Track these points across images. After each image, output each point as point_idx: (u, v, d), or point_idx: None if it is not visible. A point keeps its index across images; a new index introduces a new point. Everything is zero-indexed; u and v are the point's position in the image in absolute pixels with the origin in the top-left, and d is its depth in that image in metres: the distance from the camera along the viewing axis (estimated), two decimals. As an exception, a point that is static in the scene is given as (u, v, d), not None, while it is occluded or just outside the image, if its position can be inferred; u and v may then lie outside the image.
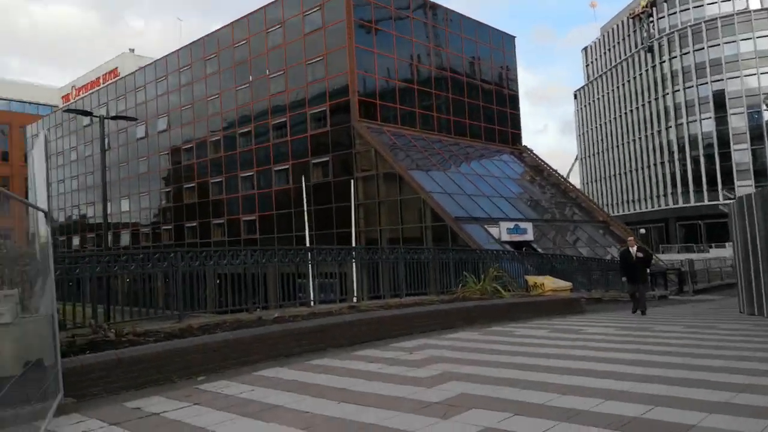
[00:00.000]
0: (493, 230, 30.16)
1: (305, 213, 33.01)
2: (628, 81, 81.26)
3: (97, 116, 25.34)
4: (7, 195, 6.96)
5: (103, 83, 59.97)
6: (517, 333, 10.12)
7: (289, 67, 37.52)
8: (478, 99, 42.30)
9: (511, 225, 31.11)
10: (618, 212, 78.96)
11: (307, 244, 32.20)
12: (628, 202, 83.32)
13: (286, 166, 37.55)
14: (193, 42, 44.98)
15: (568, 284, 16.06)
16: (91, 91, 60.12)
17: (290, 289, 12.05)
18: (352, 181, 32.36)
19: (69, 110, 32.17)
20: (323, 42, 35.61)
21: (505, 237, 30.04)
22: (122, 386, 6.53)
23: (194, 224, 44.69)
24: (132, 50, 67.16)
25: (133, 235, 51.34)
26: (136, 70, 51.79)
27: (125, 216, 52.37)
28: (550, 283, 15.55)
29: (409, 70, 38.01)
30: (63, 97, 67.83)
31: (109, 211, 54.19)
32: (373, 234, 33.27)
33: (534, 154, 44.84)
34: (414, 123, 37.18)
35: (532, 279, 15.79)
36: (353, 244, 30.96)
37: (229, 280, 11.16)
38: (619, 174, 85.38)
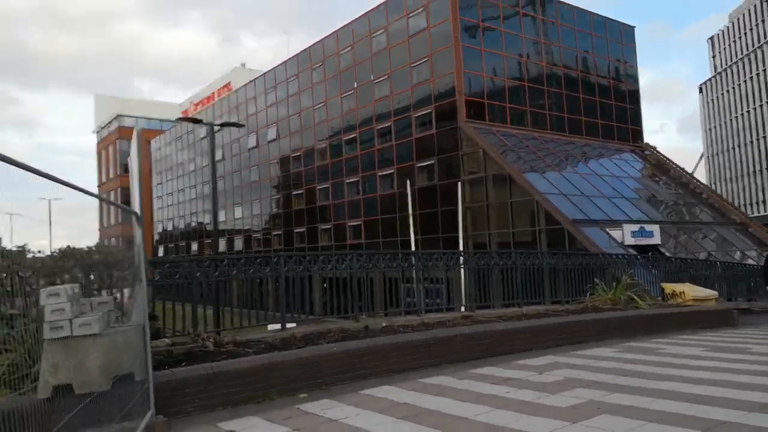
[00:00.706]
0: (615, 233, 27.79)
1: (410, 217, 32.21)
2: (760, 72, 73.77)
3: (207, 123, 26.02)
4: (100, 198, 6.61)
5: (217, 97, 62.85)
6: (664, 351, 8.58)
7: (393, 71, 37.05)
8: (594, 95, 39.66)
9: (636, 227, 28.55)
10: (754, 213, 71.65)
11: (413, 249, 31.37)
12: (765, 202, 75.52)
13: (391, 171, 37.03)
14: (299, 53, 45.82)
15: (713, 293, 14.01)
16: (206, 106, 63.21)
17: (395, 294, 11.19)
18: (459, 183, 31.16)
19: (181, 119, 33.60)
20: (428, 44, 34.79)
21: (629, 240, 27.57)
22: (217, 403, 5.89)
23: (302, 229, 45.36)
24: (243, 65, 69.98)
25: (245, 240, 53.08)
26: (246, 84, 53.68)
27: (238, 222, 54.31)
28: (691, 291, 13.62)
29: (519, 67, 36.27)
30: (182, 112, 71.94)
31: (223, 218, 56.74)
32: (481, 238, 31.87)
33: (657, 152, 41.37)
34: (524, 122, 35.38)
35: (669, 287, 13.92)
36: (461, 249, 29.72)
37: (334, 285, 10.46)
38: (754, 172, 77.63)
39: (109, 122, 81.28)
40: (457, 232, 31.25)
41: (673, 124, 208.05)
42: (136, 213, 5.63)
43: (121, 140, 78.06)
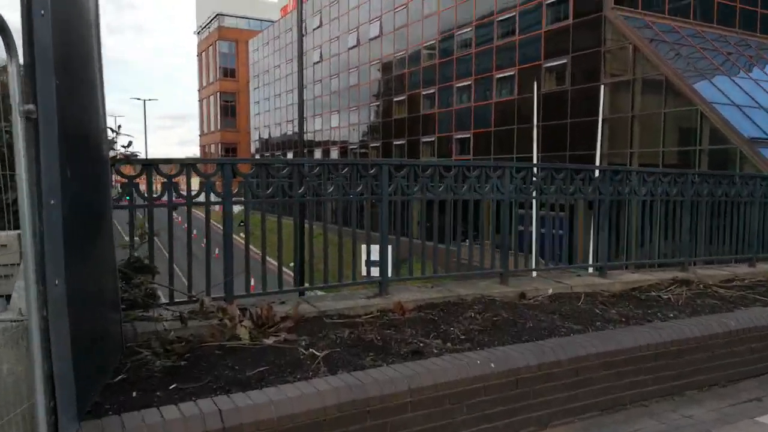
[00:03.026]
0: (811, 158, 21.37)
1: (534, 129, 26.92)
2: None
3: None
4: None
5: (318, -7, 58.04)
6: None
7: (520, -50, 30.62)
8: (778, -20, 31.31)
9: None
10: None
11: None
12: None
13: (511, 73, 31.39)
14: (409, -65, 39.73)
15: None
16: (305, 2, 58.64)
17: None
18: (602, 87, 25.24)
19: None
20: None
21: (828, 168, 21.12)
22: None
23: (402, 142, 41.07)
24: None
25: (341, 152, 49.72)
26: (348, -26, 48.39)
27: (335, 132, 50.82)
28: None
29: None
30: (281, 9, 67.97)
31: (319, 127, 53.43)
32: (620, 159, 26.18)
33: None
34: (687, 13, 28.23)
35: None
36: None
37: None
38: None
39: (209, 22, 78.88)
40: (593, 149, 25.74)
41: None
42: None
43: (221, 41, 75.76)
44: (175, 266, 4.17)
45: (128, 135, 3.72)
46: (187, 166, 4.25)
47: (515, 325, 4.27)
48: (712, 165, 23.04)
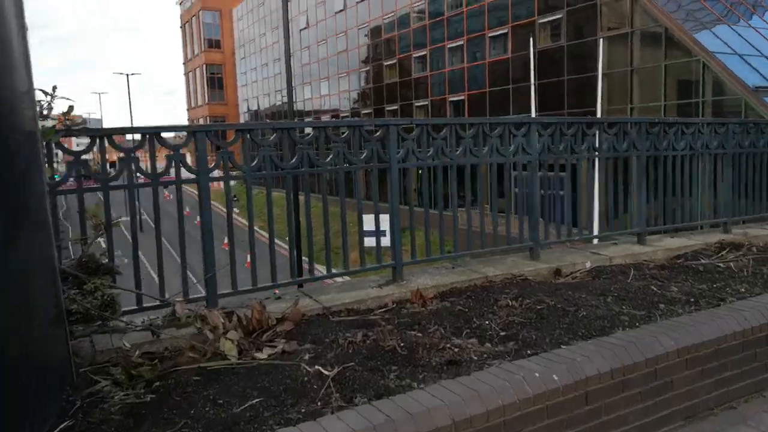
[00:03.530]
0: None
1: (532, 88, 25.90)
2: None
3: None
4: None
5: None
6: None
7: None
8: None
9: None
10: None
11: (533, 128, 25.40)
12: None
13: (504, 31, 30.20)
14: None
15: None
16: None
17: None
18: (600, 41, 24.14)
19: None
20: None
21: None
22: None
23: (395, 107, 39.95)
24: None
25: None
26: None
27: (325, 100, 49.52)
28: None
29: None
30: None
31: (308, 96, 52.05)
32: (619, 114, 25.26)
33: None
34: (685, -41, 27.10)
35: None
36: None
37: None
38: None
39: (191, -9, 76.35)
40: (592, 105, 24.83)
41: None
42: None
43: (204, 11, 73.44)
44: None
45: (67, 99, 2.87)
46: (150, 135, 3.42)
47: (565, 315, 3.52)
48: (716, 116, 22.24)
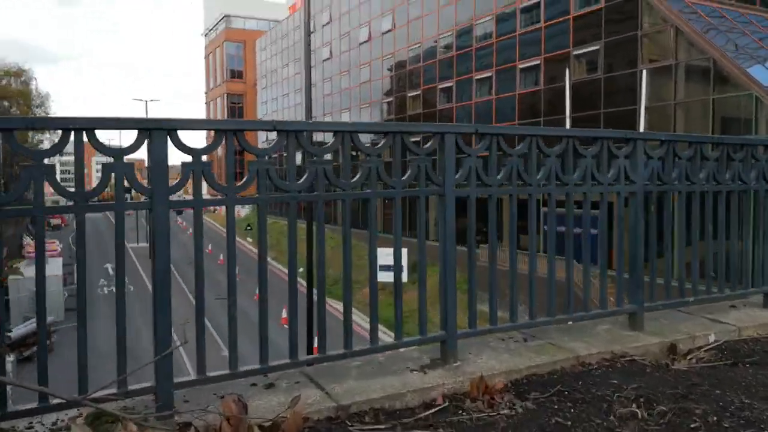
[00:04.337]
0: None
1: (567, 122, 24.45)
2: None
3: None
4: None
5: (326, -12, 55.90)
6: None
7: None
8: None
9: None
10: None
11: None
12: None
13: (537, 62, 28.98)
14: None
15: None
16: (314, -1, 56.56)
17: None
18: (644, 72, 22.66)
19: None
20: None
21: None
22: None
23: (417, 140, 38.64)
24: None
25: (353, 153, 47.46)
26: (358, -33, 46.20)
27: (347, 131, 48.54)
28: None
29: None
30: (290, 7, 65.96)
31: (330, 126, 51.07)
32: (661, 151, 23.65)
33: None
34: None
35: None
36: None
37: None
38: None
39: (217, 23, 77.08)
40: (630, 141, 23.25)
41: None
42: None
43: (228, 43, 73.96)
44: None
45: None
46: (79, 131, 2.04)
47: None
48: (770, 157, 20.56)
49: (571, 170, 3.43)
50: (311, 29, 46.54)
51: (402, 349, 3.22)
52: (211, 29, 79.44)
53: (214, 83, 77.73)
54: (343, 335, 2.89)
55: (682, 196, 3.94)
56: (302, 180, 2.78)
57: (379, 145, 3.02)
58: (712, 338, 3.88)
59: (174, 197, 2.47)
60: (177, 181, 2.55)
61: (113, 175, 2.37)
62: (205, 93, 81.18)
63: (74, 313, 2.50)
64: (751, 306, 4.54)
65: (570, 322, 3.71)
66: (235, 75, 73.83)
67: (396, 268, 3.04)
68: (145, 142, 2.40)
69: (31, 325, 22.59)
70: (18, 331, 22.29)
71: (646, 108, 22.94)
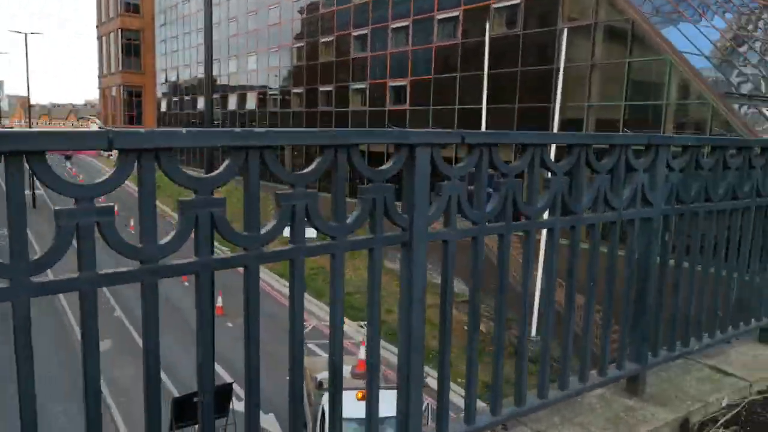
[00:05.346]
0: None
1: (485, 78, 23.59)
2: None
3: None
4: None
5: None
6: None
7: None
8: None
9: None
10: None
11: (483, 122, 23.26)
12: None
13: (456, 13, 27.79)
14: None
15: None
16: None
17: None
18: (565, 30, 22.05)
19: None
20: None
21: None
22: None
23: (329, 88, 36.92)
24: None
25: (259, 99, 44.85)
26: None
27: (252, 76, 45.68)
28: None
29: None
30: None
31: (234, 70, 47.88)
32: (576, 113, 23.52)
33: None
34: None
35: None
36: (553, 127, 21.62)
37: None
38: None
39: (107, -52, 69.58)
40: (545, 101, 22.95)
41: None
42: None
43: (122, -31, 67.03)
44: None
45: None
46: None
47: None
48: (680, 121, 20.89)
49: (581, 191, 2.31)
50: (215, -38, 42.68)
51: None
52: (102, -46, 71.71)
53: (106, 16, 70.67)
54: None
55: (698, 218, 2.95)
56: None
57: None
58: (725, 402, 3.03)
59: None
60: None
61: None
62: (97, 27, 73.86)
63: None
64: (744, 340, 3.76)
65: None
66: (131, 8, 67.36)
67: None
68: None
69: None
70: None
71: (564, 68, 22.49)
